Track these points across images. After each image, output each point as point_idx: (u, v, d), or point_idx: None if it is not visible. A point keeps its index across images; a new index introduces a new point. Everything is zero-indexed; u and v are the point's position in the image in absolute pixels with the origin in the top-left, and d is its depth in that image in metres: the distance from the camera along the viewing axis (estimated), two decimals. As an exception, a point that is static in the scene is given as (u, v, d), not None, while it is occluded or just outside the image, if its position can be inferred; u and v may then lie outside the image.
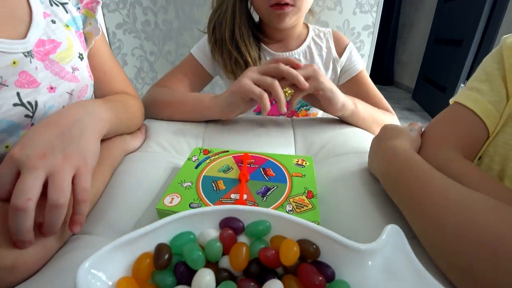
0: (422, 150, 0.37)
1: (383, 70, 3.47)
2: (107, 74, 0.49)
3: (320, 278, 0.19)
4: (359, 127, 0.60)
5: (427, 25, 2.73)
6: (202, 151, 0.43)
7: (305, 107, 0.78)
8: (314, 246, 0.21)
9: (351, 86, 0.72)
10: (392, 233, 0.21)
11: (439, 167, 0.29)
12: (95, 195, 0.34)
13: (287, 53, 0.72)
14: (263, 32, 0.72)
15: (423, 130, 0.42)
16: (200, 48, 0.70)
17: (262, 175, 0.38)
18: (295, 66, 0.50)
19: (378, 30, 0.99)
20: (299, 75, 0.47)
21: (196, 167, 0.39)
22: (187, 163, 0.40)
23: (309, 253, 0.21)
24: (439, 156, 0.33)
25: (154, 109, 0.60)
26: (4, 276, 0.23)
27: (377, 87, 0.72)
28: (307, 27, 0.76)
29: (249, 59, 0.67)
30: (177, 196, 0.33)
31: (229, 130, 0.57)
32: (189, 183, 0.35)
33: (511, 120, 0.33)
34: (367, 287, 0.18)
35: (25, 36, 0.34)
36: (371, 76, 0.78)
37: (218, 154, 0.42)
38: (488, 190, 0.25)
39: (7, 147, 0.33)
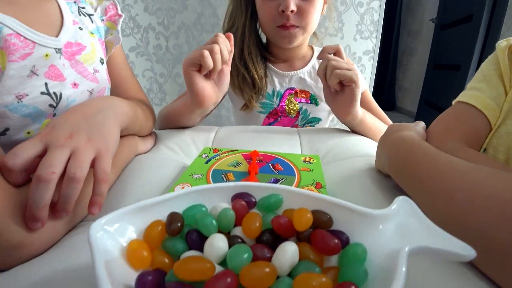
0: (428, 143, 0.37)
1: (385, 96, 3.55)
2: (123, 81, 0.52)
3: (336, 240, 0.19)
4: (365, 136, 0.60)
5: (425, 52, 2.84)
6: (211, 150, 0.44)
7: (310, 124, 0.79)
8: (328, 216, 0.22)
9: None
10: (403, 203, 0.21)
11: None
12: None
13: (292, 73, 0.75)
14: (270, 52, 0.76)
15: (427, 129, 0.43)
16: None
17: (271, 169, 0.38)
18: (339, 55, 0.57)
19: (379, 59, 1.03)
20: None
21: (206, 163, 0.40)
22: (197, 160, 0.41)
23: (322, 222, 0.21)
24: (444, 147, 0.34)
25: (160, 123, 0.63)
26: (10, 254, 0.23)
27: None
28: (312, 49, 0.80)
29: (256, 76, 0.70)
30: (187, 185, 0.34)
31: (237, 137, 0.58)
32: (199, 175, 0.36)
33: (511, 113, 0.34)
34: (380, 248, 0.18)
35: (57, 36, 0.39)
36: (373, 102, 0.81)
37: (227, 153, 0.43)
38: None
39: (28, 133, 0.35)
